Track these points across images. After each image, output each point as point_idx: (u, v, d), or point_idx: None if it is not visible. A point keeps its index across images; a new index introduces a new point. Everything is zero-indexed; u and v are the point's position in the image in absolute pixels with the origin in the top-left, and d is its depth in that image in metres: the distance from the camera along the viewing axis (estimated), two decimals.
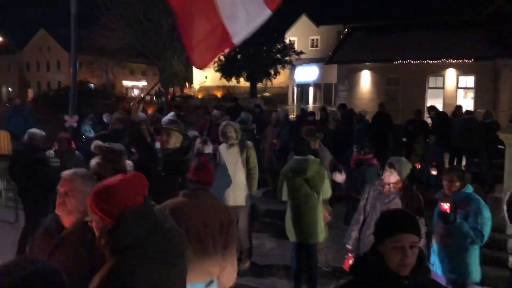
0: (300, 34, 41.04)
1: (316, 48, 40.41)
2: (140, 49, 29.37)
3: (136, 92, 58.80)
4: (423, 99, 20.65)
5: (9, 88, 57.59)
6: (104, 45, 29.64)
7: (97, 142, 3.86)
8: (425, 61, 20.35)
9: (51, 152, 6.43)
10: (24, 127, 9.77)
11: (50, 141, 6.66)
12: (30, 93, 44.53)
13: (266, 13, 3.99)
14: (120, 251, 1.82)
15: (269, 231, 7.17)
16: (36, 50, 59.15)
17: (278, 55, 34.97)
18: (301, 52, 35.15)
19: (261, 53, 34.42)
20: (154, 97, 38.36)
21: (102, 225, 1.88)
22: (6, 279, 1.29)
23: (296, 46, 37.34)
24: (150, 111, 14.08)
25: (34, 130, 6.04)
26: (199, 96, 42.44)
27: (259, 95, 35.33)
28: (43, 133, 6.05)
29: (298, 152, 5.09)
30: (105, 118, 9.32)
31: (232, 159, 5.66)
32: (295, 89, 29.45)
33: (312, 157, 5.09)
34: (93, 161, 3.61)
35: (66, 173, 2.58)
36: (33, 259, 1.43)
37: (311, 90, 29.07)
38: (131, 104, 4.36)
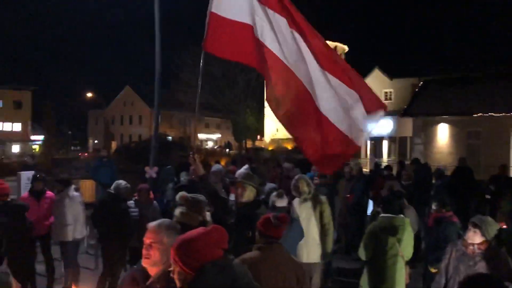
0: (373, 87, 40.64)
1: (390, 101, 39.85)
2: (215, 104, 30.85)
3: (210, 144, 60.91)
4: (507, 153, 19.36)
5: (96, 140, 62.08)
6: (183, 100, 31.42)
7: (183, 193, 4.02)
8: (509, 113, 19.25)
9: (131, 202, 6.76)
10: (109, 177, 10.44)
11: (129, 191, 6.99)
12: (114, 145, 47.61)
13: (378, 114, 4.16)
14: None
15: None
16: (121, 105, 63.87)
17: None
18: None
19: None
20: (224, 149, 39.48)
21: (183, 276, 1.94)
22: None
23: None
24: (223, 163, 14.43)
25: (120, 181, 6.38)
26: (270, 148, 42.95)
27: None
28: (128, 185, 6.38)
29: (388, 210, 4.87)
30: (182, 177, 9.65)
31: (306, 214, 5.57)
32: (368, 142, 28.94)
33: (402, 216, 4.88)
34: (177, 211, 3.75)
35: (151, 224, 2.66)
36: None
37: (385, 143, 28.43)
38: (189, 157, 4.47)
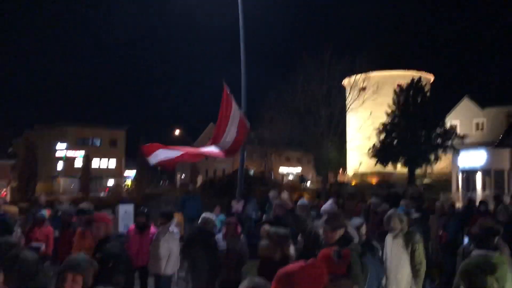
0: (462, 117, 38.73)
1: (482, 131, 37.44)
2: (298, 139, 31.24)
3: (291, 178, 60.91)
4: None
5: (183, 175, 64.80)
6: (265, 136, 32.14)
7: (266, 226, 4.10)
8: None
9: (219, 236, 6.96)
10: (196, 211, 10.86)
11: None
12: (200, 180, 49.39)
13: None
14: None
15: None
16: (206, 141, 66.37)
17: (439, 140, 33.23)
18: (465, 136, 32.89)
19: (420, 138, 33.17)
20: (300, 183, 39.31)
21: None
22: None
23: (458, 130, 35.16)
24: (306, 197, 14.36)
25: (208, 215, 6.63)
26: (353, 183, 41.94)
27: (418, 182, 33.47)
28: (215, 218, 6.60)
29: (482, 247, 4.55)
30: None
31: (397, 252, 5.37)
32: (460, 175, 27.24)
33: (498, 253, 4.53)
34: (262, 243, 3.83)
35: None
36: None
37: (478, 176, 26.58)
38: (280, 195, 4.52)
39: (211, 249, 6.31)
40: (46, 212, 8.71)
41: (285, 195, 4.30)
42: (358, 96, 34.98)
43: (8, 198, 31.70)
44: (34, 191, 41.05)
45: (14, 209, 8.92)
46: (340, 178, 49.62)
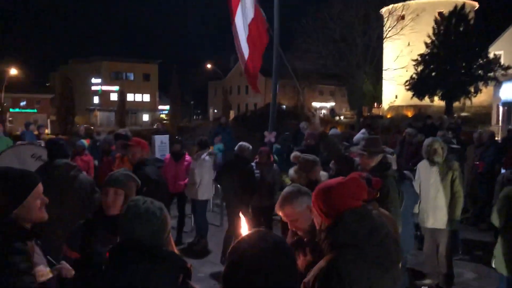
0: (507, 47, 36.61)
1: None
2: (333, 70, 30.42)
3: (324, 112, 60.45)
4: None
5: (215, 110, 65.36)
6: (297, 68, 31.48)
7: (296, 153, 4.12)
8: None
9: (252, 165, 7.08)
10: (229, 142, 11.02)
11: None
12: (232, 114, 49.72)
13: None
14: (338, 248, 1.93)
15: (469, 261, 6.50)
16: (237, 75, 66.03)
17: (480, 71, 31.78)
18: (509, 67, 31.28)
19: (460, 69, 31.79)
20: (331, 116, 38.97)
21: (321, 222, 2.04)
22: (249, 249, 1.46)
23: (502, 61, 33.41)
24: (339, 129, 14.27)
25: (243, 143, 6.72)
26: (388, 116, 41.23)
27: (455, 115, 32.59)
28: (250, 147, 6.68)
29: None
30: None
31: (435, 179, 5.31)
32: (501, 108, 26.27)
33: None
34: (291, 170, 3.87)
35: (278, 206, 2.62)
36: (270, 233, 1.57)
37: None
38: (310, 114, 4.47)
39: (247, 175, 6.42)
40: (85, 142, 9.02)
41: (316, 119, 4.24)
42: (396, 25, 33.40)
43: (48, 130, 32.96)
44: (72, 124, 42.52)
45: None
46: (374, 111, 48.85)
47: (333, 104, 63.93)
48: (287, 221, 2.59)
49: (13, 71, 43.23)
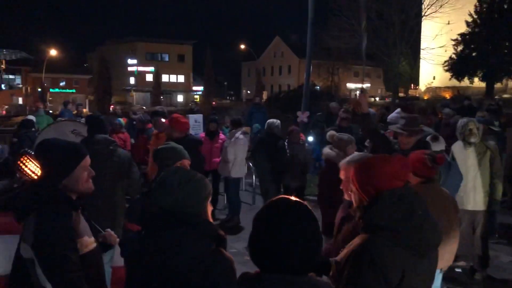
0: None
1: None
2: (368, 49, 29.67)
3: (358, 94, 59.40)
4: None
5: (248, 91, 65.36)
6: (331, 48, 30.94)
7: (332, 132, 4.13)
8: None
9: (282, 141, 7.14)
10: (263, 121, 11.09)
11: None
12: (265, 95, 49.62)
13: None
14: (372, 229, 1.87)
15: (505, 244, 6.38)
16: (271, 56, 65.62)
17: None
18: None
19: (503, 49, 30.48)
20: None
21: (359, 198, 1.97)
22: None
23: None
24: (374, 109, 14.04)
25: (272, 120, 6.78)
26: (425, 98, 40.16)
27: (497, 96, 31.43)
28: (279, 122, 6.73)
29: None
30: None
31: (472, 160, 5.21)
32: None
33: None
34: (326, 148, 3.88)
35: (343, 162, 2.75)
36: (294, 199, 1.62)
37: None
38: (358, 94, 4.43)
39: (279, 151, 6.48)
40: (123, 121, 9.27)
41: (364, 99, 4.18)
42: (435, 2, 32.20)
43: (86, 109, 33.90)
44: (109, 103, 43.55)
45: None
46: (410, 93, 47.66)
47: (368, 85, 62.75)
48: (345, 180, 2.62)
49: (53, 52, 44.45)
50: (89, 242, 2.22)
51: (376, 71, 53.91)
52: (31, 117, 9.14)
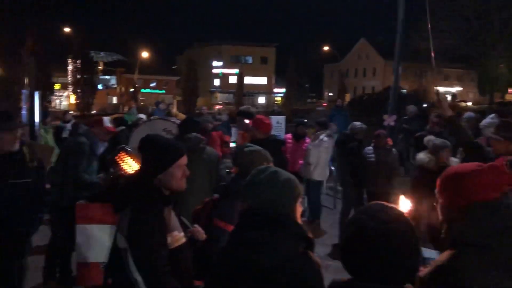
0: None
1: None
2: (464, 51, 27.78)
3: (448, 98, 56.17)
4: None
5: (330, 93, 64.56)
6: (420, 49, 29.49)
7: (429, 137, 3.98)
8: None
9: (369, 148, 6.92)
10: (344, 125, 10.89)
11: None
12: (347, 97, 48.69)
13: None
14: (460, 245, 1.67)
15: None
16: (355, 58, 64.29)
17: None
18: None
19: None
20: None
21: (446, 211, 1.79)
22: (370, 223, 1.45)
23: None
24: None
25: (355, 122, 6.64)
26: None
27: None
28: (364, 126, 6.55)
29: None
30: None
31: None
32: None
33: None
34: (421, 154, 3.72)
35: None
36: (389, 206, 1.53)
37: None
38: (439, 95, 4.15)
39: (355, 154, 6.33)
40: (210, 120, 9.57)
41: (444, 101, 3.94)
42: None
43: (175, 110, 35.50)
44: (195, 104, 45.32)
45: (182, 116, 10.04)
46: (507, 98, 44.12)
47: (459, 89, 59.16)
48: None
49: (145, 54, 47.22)
50: (179, 237, 2.30)
51: (469, 75, 50.67)
52: (141, 115, 9.38)
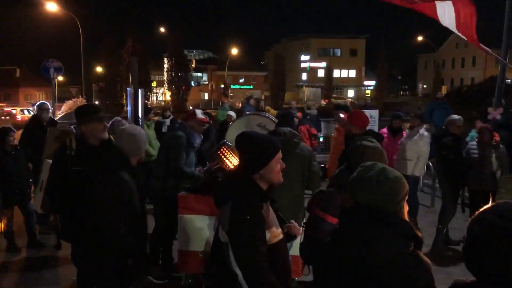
0: None
1: None
2: None
3: None
4: None
5: (424, 85, 61.33)
6: None
7: None
8: None
9: (473, 143, 6.46)
10: (444, 119, 10.26)
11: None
12: (444, 89, 45.96)
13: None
14: None
15: None
16: (453, 47, 60.29)
17: None
18: None
19: None
20: None
21: None
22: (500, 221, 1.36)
23: None
24: None
25: (453, 116, 6.26)
26: None
27: None
28: (461, 119, 6.14)
29: None
30: None
31: None
32: None
33: None
34: None
35: None
36: None
37: None
38: None
39: (456, 152, 5.94)
40: (298, 115, 9.57)
41: None
42: None
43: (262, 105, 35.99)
44: (283, 99, 45.57)
45: (274, 111, 10.14)
46: None
47: None
48: None
49: (234, 51, 48.43)
50: (277, 233, 2.31)
51: None
52: (230, 112, 9.68)
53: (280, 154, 2.36)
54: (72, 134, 3.63)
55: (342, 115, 6.19)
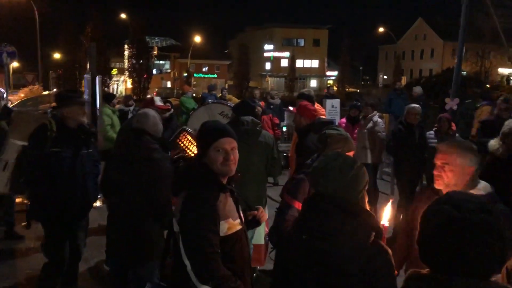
0: None
1: None
2: None
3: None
4: None
5: (385, 76, 62.72)
6: (484, 28, 27.88)
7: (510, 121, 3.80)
8: None
9: (431, 133, 6.63)
10: (403, 109, 10.51)
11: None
12: (404, 80, 47.10)
13: None
14: None
15: None
16: (412, 39, 61.79)
17: None
18: None
19: None
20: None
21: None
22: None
23: None
24: None
25: (411, 105, 6.38)
26: None
27: None
28: (418, 107, 6.27)
29: None
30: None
31: None
32: None
33: None
34: (493, 140, 3.53)
35: (442, 145, 2.54)
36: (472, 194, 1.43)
37: None
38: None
39: (414, 140, 6.11)
40: (261, 104, 9.54)
41: None
42: None
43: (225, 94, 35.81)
44: (247, 88, 45.48)
45: (236, 100, 10.08)
46: None
47: None
48: (439, 164, 2.45)
49: (197, 39, 47.79)
50: (234, 224, 2.23)
51: None
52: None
53: (222, 143, 2.20)
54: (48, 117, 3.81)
55: (291, 108, 6.16)
